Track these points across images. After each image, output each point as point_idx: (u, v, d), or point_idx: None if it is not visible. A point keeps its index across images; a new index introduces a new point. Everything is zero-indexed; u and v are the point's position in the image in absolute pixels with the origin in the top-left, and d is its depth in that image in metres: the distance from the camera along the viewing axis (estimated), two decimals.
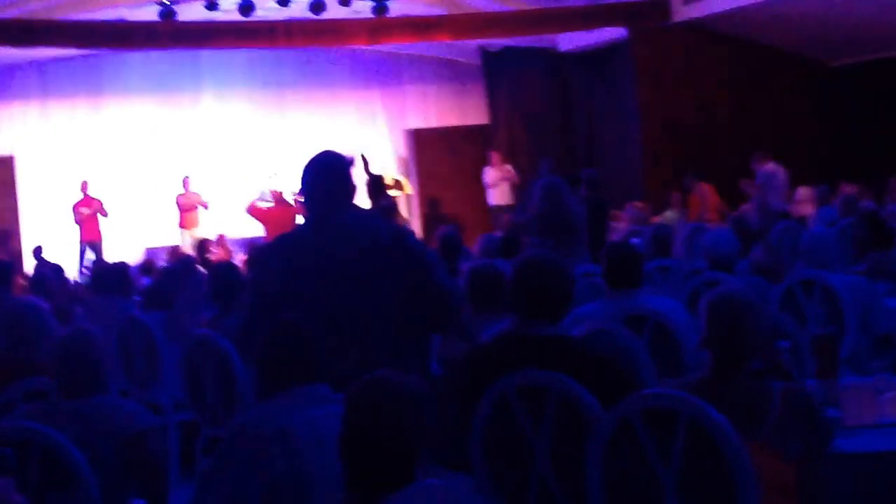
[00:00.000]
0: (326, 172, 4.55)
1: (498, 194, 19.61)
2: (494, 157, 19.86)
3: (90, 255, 17.74)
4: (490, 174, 19.72)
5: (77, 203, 18.05)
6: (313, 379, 3.86)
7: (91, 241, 17.95)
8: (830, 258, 7.12)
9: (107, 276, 9.67)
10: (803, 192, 15.80)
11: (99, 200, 18.07)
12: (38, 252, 16.55)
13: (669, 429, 3.65)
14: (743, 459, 3.53)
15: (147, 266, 12.36)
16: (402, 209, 19.29)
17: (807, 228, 10.79)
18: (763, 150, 15.87)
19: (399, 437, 2.98)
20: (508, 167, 19.69)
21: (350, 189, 4.56)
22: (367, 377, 3.09)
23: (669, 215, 16.16)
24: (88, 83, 19.41)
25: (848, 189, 15.17)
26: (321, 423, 3.64)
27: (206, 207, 18.48)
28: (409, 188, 20.31)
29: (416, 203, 20.70)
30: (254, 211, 15.79)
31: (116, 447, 4.20)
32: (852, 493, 4.05)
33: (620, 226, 15.37)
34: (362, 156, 10.91)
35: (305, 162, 4.62)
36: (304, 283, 4.40)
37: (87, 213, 17.97)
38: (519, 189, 19.39)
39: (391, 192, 19.73)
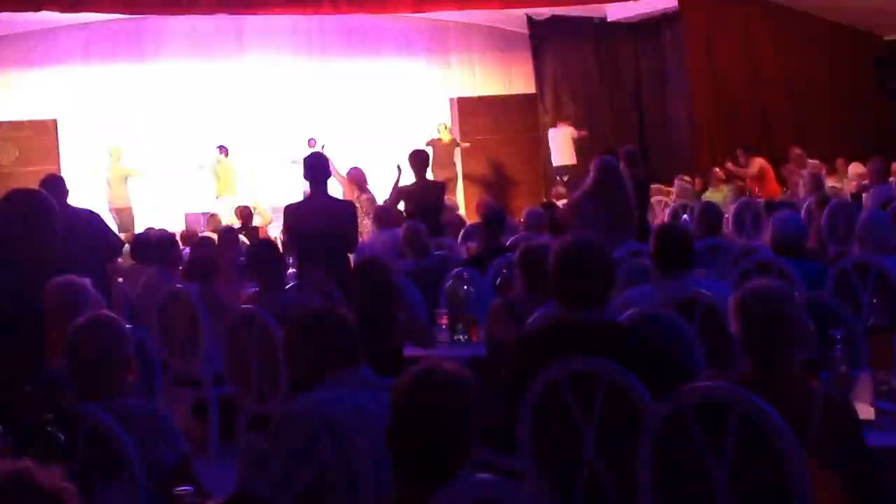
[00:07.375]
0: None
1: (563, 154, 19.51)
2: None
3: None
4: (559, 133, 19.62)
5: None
6: (356, 362, 3.89)
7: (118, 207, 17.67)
8: (887, 241, 6.94)
9: (151, 245, 9.65)
10: (855, 168, 15.56)
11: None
12: None
13: (721, 421, 3.57)
14: (798, 456, 3.45)
15: (188, 235, 12.33)
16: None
17: (861, 208, 10.55)
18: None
19: (448, 432, 2.95)
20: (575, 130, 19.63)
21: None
22: (415, 370, 3.05)
23: (709, 193, 15.88)
24: (130, 48, 19.31)
25: None
26: (369, 410, 3.64)
27: None
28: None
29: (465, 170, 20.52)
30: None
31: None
32: None
33: (671, 200, 15.24)
34: (398, 167, 12.27)
35: None
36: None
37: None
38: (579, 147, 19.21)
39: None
